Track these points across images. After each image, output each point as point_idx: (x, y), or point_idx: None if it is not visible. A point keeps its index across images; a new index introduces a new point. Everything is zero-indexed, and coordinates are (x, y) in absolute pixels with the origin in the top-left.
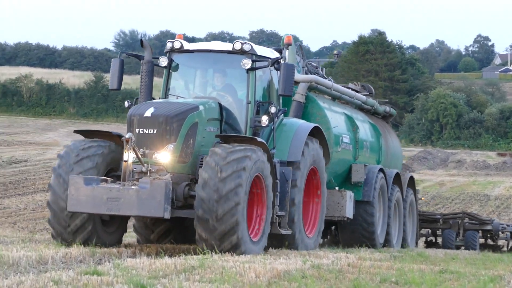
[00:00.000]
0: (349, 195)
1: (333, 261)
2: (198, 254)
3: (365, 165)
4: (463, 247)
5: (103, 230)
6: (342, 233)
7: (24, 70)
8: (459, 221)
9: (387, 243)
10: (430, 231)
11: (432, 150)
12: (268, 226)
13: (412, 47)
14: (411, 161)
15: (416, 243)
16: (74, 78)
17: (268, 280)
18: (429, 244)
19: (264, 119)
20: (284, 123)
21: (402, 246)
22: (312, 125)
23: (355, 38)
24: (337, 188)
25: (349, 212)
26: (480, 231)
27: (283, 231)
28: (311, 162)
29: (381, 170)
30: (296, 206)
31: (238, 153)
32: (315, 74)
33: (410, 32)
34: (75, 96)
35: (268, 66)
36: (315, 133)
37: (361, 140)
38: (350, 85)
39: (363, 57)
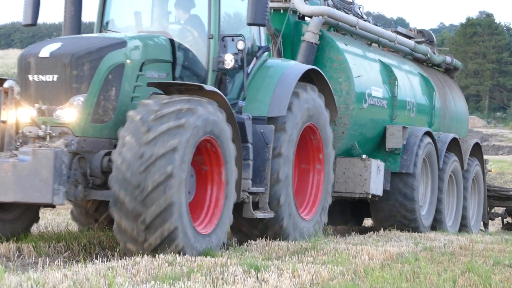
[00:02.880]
0: (376, 165)
1: (444, 244)
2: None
3: (403, 127)
4: None
5: None
6: (375, 213)
7: None
8: None
9: (437, 224)
10: (505, 210)
11: None
12: (228, 212)
13: None
14: None
15: (486, 224)
16: None
17: (381, 262)
18: (506, 227)
19: (228, 59)
20: (267, 66)
21: (461, 229)
22: (306, 67)
23: (463, 20)
24: (364, 156)
25: (375, 188)
26: None
27: (259, 214)
28: (306, 118)
29: (428, 133)
30: (282, 182)
31: (175, 105)
32: (345, 11)
33: None
34: None
35: None
36: (315, 78)
37: (402, 96)
38: (400, 29)
39: (470, 39)
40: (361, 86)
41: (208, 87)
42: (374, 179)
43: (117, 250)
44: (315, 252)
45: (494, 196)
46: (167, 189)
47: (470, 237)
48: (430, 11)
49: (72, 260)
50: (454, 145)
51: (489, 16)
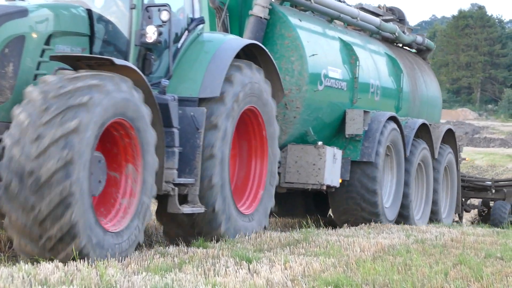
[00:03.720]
0: (332, 153)
1: (436, 236)
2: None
3: (365, 112)
4: None
5: None
6: (334, 206)
7: None
8: None
9: (403, 218)
10: (482, 202)
11: None
12: (145, 209)
13: None
14: (510, 136)
15: (460, 217)
16: None
17: (373, 254)
18: (481, 219)
19: (150, 31)
20: (201, 41)
21: (433, 221)
22: (246, 41)
23: (455, 13)
24: (320, 143)
25: (331, 178)
26: None
27: (187, 209)
28: (246, 100)
29: (392, 118)
30: (217, 170)
31: (80, 82)
32: None
33: (510, 5)
34: None
35: None
36: (258, 54)
37: (365, 77)
38: (366, 5)
39: (462, 32)
40: (316, 66)
41: (120, 61)
42: (329, 168)
43: None
44: (307, 244)
45: (469, 187)
46: (65, 177)
47: (461, 230)
48: (422, 3)
49: None
50: (424, 132)
51: (481, 8)
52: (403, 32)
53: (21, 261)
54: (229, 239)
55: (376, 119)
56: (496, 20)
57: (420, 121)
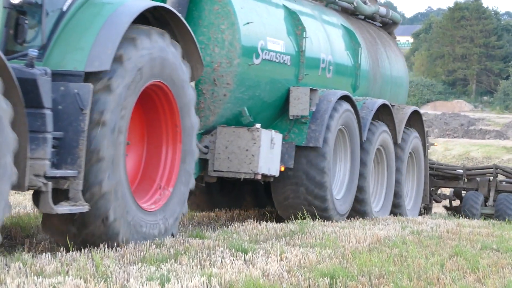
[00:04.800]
0: (269, 137)
1: (432, 228)
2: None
3: (312, 90)
4: (492, 217)
5: None
6: (276, 198)
7: None
8: (490, 179)
9: (360, 209)
10: (453, 191)
11: None
12: None
13: (508, 14)
14: (505, 128)
15: (429, 208)
16: None
17: (369, 245)
18: (449, 210)
19: None
20: (93, 2)
21: (393, 215)
22: (149, 3)
23: (451, 4)
24: (258, 125)
25: (267, 166)
26: None
27: (62, 208)
28: (148, 75)
29: (345, 98)
30: (106, 161)
31: None
32: None
33: None
34: None
35: None
36: (172, 22)
37: (314, 51)
38: None
39: (458, 23)
40: (251, 36)
41: None
42: (265, 155)
43: None
44: (303, 235)
45: (439, 175)
46: None
47: (457, 221)
48: None
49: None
50: (386, 114)
51: (477, 0)
52: (364, 2)
53: (17, 251)
54: (225, 230)
55: (326, 98)
56: (492, 12)
57: (380, 101)
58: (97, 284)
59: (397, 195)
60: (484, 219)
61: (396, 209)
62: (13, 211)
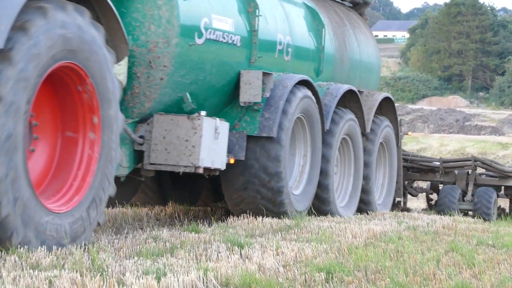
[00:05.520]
0: (213, 125)
1: (428, 223)
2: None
3: (265, 73)
4: (470, 212)
5: None
6: (227, 193)
7: None
8: (468, 172)
9: (322, 206)
10: (429, 185)
11: None
12: None
13: (504, 9)
14: (501, 124)
15: (403, 203)
16: None
17: (365, 240)
18: (429, 204)
19: None
20: None
21: (361, 210)
22: None
23: (447, 0)
24: (203, 113)
25: (211, 158)
26: (502, 188)
27: None
28: (61, 52)
29: (305, 83)
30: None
31: None
32: None
33: None
34: None
35: None
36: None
37: (269, 31)
38: None
39: (454, 19)
40: (192, 14)
41: None
42: (207, 145)
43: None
44: (299, 230)
45: (414, 168)
46: None
47: (453, 217)
48: None
49: None
50: (354, 101)
51: None
52: None
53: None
54: (221, 224)
55: (282, 83)
56: (488, 8)
57: (346, 87)
58: (93, 278)
59: (366, 191)
60: (465, 215)
61: (365, 206)
62: None
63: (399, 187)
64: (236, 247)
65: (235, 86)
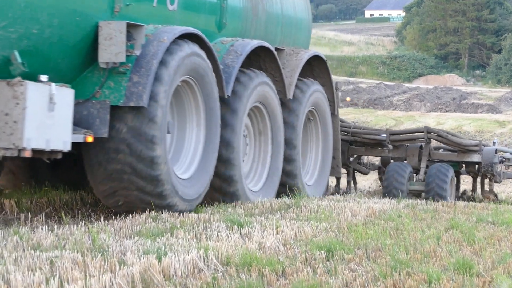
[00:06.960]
0: (45, 93)
1: (427, 201)
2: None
3: (131, 25)
4: (423, 194)
5: None
6: (92, 180)
7: None
8: (421, 146)
9: (226, 189)
10: (380, 161)
11: None
12: None
13: None
14: (498, 102)
15: (347, 182)
16: None
17: (364, 219)
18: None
19: None
20: None
21: (285, 192)
22: None
23: None
24: (44, 77)
25: (43, 139)
26: (459, 165)
27: None
28: None
29: (191, 37)
30: None
31: None
32: None
33: None
34: None
35: None
36: None
37: None
38: None
39: None
40: None
41: None
42: (37, 121)
43: (99, 206)
44: (298, 209)
45: (358, 142)
46: None
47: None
48: None
49: (54, 216)
50: (269, 61)
51: None
52: None
53: (12, 226)
54: (219, 204)
55: (157, 38)
56: None
57: (255, 42)
58: (94, 258)
59: (289, 173)
60: (418, 196)
61: (287, 180)
62: None
63: (337, 163)
64: (235, 226)
65: (94, 43)
